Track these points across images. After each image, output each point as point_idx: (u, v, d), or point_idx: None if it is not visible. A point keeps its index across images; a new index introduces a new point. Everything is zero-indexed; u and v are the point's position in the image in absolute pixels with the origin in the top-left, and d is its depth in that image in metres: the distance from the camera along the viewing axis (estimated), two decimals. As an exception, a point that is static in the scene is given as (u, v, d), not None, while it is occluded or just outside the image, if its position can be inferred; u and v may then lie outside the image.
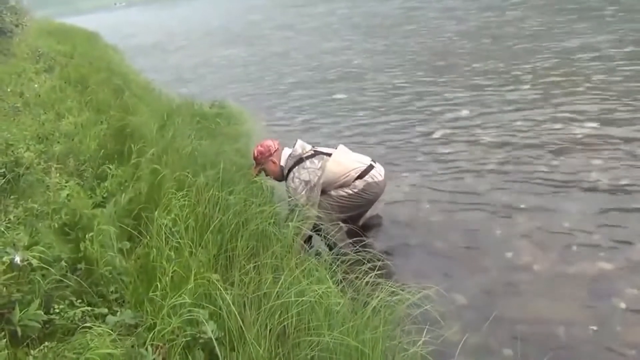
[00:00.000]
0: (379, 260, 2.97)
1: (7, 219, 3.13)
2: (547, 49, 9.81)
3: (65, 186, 3.86)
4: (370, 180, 4.12)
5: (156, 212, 2.99)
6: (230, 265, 2.92)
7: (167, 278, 2.42)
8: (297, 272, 2.47)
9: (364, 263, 3.00)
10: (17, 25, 11.98)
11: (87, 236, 2.83)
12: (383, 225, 4.49)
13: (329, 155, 4.11)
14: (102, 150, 4.66)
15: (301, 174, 3.98)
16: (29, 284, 2.41)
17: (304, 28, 19.48)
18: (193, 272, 2.46)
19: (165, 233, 2.78)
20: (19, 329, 2.14)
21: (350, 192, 4.08)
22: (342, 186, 4.08)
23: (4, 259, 2.31)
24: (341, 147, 4.30)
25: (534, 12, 13.75)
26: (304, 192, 3.91)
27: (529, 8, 14.51)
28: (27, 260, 2.35)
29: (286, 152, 4.22)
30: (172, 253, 2.64)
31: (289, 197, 3.98)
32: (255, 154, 4.20)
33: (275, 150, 4.19)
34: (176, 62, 16.54)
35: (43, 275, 2.52)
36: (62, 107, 6.62)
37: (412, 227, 4.40)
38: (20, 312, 2.17)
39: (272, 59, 13.84)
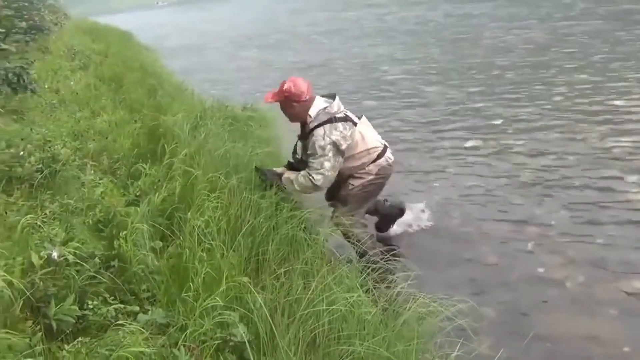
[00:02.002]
0: (409, 270, 2.95)
1: (43, 213, 3.19)
2: (587, 60, 9.66)
3: (99, 183, 3.93)
4: (384, 163, 3.89)
5: (189, 213, 3.02)
6: (260, 269, 2.92)
7: (200, 279, 2.43)
8: (328, 279, 2.45)
9: (394, 272, 2.98)
10: (56, 24, 12.22)
11: (121, 234, 2.86)
12: (413, 235, 4.45)
13: (355, 124, 3.79)
14: (136, 149, 4.72)
15: (332, 134, 3.63)
16: (65, 279, 2.45)
17: (337, 32, 19.52)
18: (225, 275, 2.46)
19: (198, 234, 2.79)
20: (54, 323, 2.17)
21: (365, 180, 3.86)
22: (356, 168, 3.84)
23: (42, 253, 2.36)
24: (364, 118, 3.98)
25: (592, 20, 13.54)
26: (330, 154, 3.61)
27: (587, 16, 14.29)
28: (64, 255, 2.38)
29: (320, 103, 3.78)
30: (205, 254, 2.65)
31: (309, 152, 3.71)
32: (283, 89, 3.72)
33: (305, 101, 3.72)
34: (209, 64, 16.71)
35: (77, 271, 2.56)
36: (97, 105, 6.74)
37: (442, 237, 4.36)
38: (56, 307, 2.20)
39: (306, 63, 13.86)
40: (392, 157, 3.98)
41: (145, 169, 4.09)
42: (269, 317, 2.19)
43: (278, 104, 3.84)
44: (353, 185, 3.86)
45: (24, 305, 2.18)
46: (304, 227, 3.30)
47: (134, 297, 2.62)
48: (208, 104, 6.89)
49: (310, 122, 3.72)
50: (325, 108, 3.72)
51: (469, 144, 6.49)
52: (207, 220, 2.94)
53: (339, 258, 3.06)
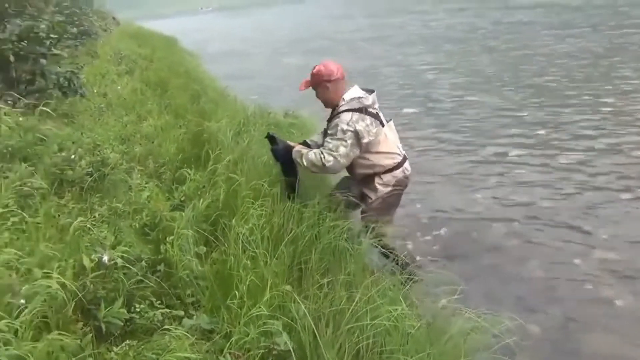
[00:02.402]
0: (453, 283, 2.90)
1: (92, 216, 3.27)
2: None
3: (145, 187, 4.01)
4: (401, 175, 3.79)
5: (233, 220, 3.04)
6: (303, 278, 2.93)
7: (244, 287, 2.45)
8: (372, 291, 2.43)
9: (437, 285, 2.94)
10: (105, 30, 12.58)
11: (167, 239, 2.91)
12: (456, 247, 4.39)
13: (382, 125, 3.73)
14: (180, 154, 4.79)
15: (358, 123, 3.54)
16: (113, 282, 2.50)
17: (381, 39, 19.52)
18: (269, 283, 2.48)
19: (242, 241, 2.81)
20: (103, 326, 2.22)
21: (384, 193, 3.75)
22: (370, 167, 3.73)
23: (93, 257, 2.42)
24: (392, 123, 3.87)
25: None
26: (349, 142, 3.52)
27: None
28: (114, 259, 2.43)
29: (357, 91, 3.74)
30: (249, 262, 2.67)
31: (329, 132, 3.64)
32: (314, 71, 3.74)
33: (336, 79, 3.69)
34: (252, 70, 16.88)
35: (125, 274, 2.61)
36: (143, 109, 6.89)
37: (485, 250, 4.29)
38: (105, 309, 2.26)
39: (349, 70, 13.83)
40: (410, 169, 3.91)
41: (189, 174, 4.15)
42: (313, 326, 2.18)
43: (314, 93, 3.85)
44: (372, 198, 3.79)
45: (75, 307, 2.23)
46: (347, 237, 3.29)
47: (179, 301, 2.66)
48: (250, 111, 6.95)
49: (341, 105, 3.67)
50: (360, 98, 3.67)
51: (513, 153, 6.39)
52: (251, 227, 2.96)
53: (382, 269, 3.04)
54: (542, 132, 7.02)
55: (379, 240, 3.55)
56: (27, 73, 5.73)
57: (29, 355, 1.80)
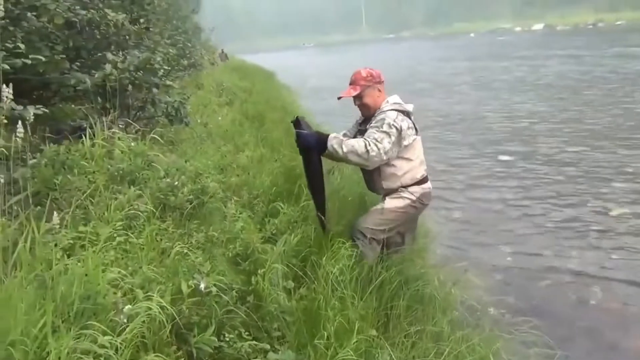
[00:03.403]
0: (546, 346, 2.76)
1: (189, 242, 3.43)
2: None
3: (239, 217, 4.15)
4: (427, 189, 3.71)
5: (324, 259, 3.07)
6: (389, 324, 2.89)
7: (332, 327, 2.45)
8: (462, 347, 2.36)
9: (529, 346, 2.80)
10: (212, 64, 13.32)
11: (259, 271, 2.98)
12: (549, 305, 4.17)
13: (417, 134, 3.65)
14: (274, 187, 4.92)
15: (403, 122, 3.47)
16: (206, 309, 2.58)
17: (483, 84, 19.21)
18: (356, 326, 2.46)
19: (332, 281, 2.83)
20: (194, 351, 2.29)
21: (407, 202, 3.63)
22: (398, 175, 3.61)
23: (190, 282, 2.52)
24: (420, 138, 3.74)
25: None
26: (393, 138, 3.40)
27: None
28: (209, 287, 2.52)
29: (396, 98, 3.71)
30: (337, 302, 2.68)
31: (372, 125, 3.51)
32: (363, 74, 3.65)
33: (383, 82, 3.69)
34: (347, 107, 16.99)
35: (217, 302, 2.70)
36: (240, 140, 7.17)
37: (581, 312, 4.04)
38: (197, 335, 2.33)
39: (445, 113, 13.74)
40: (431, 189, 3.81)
41: (282, 207, 4.24)
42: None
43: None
44: (392, 204, 3.64)
45: (171, 330, 2.32)
46: (436, 286, 3.22)
47: (266, 334, 2.70)
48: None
49: (384, 106, 3.62)
50: (401, 103, 3.65)
51: (615, 212, 6.02)
52: (341, 268, 2.98)
53: (471, 322, 2.94)
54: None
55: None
56: (140, 101, 6.16)
57: (128, 373, 1.89)
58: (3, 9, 2.46)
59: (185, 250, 3.15)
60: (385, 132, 3.38)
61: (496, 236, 5.39)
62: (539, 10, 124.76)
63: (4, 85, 2.47)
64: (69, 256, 2.69)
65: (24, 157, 3.36)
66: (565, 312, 4.06)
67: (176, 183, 3.91)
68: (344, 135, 3.87)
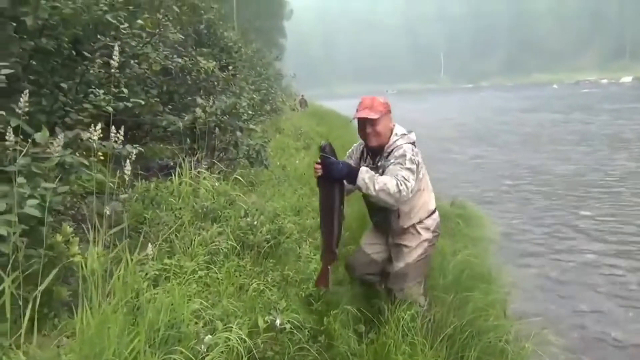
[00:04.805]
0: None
1: (265, 280, 3.57)
2: None
3: (313, 259, 4.26)
4: (438, 219, 3.50)
5: (397, 305, 3.11)
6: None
7: (401, 373, 2.47)
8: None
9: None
10: (293, 109, 13.81)
11: (331, 312, 3.06)
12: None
13: None
14: (347, 232, 5.01)
15: (419, 157, 3.24)
16: (280, 345, 2.69)
17: (548, 136, 18.65)
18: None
19: (403, 327, 2.86)
20: (267, 385, 2.39)
21: (425, 241, 3.39)
22: (414, 214, 3.37)
23: (266, 318, 2.64)
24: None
25: None
26: (415, 176, 3.13)
27: None
28: (284, 324, 2.63)
29: (400, 128, 3.45)
30: (408, 348, 2.70)
31: (392, 161, 3.17)
32: (381, 101, 3.37)
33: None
34: (425, 155, 16.70)
35: (290, 339, 2.80)
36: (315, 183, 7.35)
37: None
38: (270, 370, 2.43)
39: (527, 167, 13.38)
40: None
41: (355, 251, 4.32)
42: None
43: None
44: (412, 246, 3.38)
45: (246, 362, 2.44)
46: (510, 339, 3.16)
47: (335, 375, 2.76)
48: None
49: (395, 138, 3.35)
50: (408, 133, 3.43)
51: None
52: (413, 314, 3.00)
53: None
54: None
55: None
56: (223, 143, 6.51)
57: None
58: (117, 60, 2.75)
59: (262, 287, 3.30)
60: (409, 169, 3.10)
61: (577, 294, 5.18)
62: (626, 62, 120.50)
63: (113, 127, 2.75)
64: (154, 286, 2.90)
65: (117, 191, 3.65)
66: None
67: (255, 222, 4.11)
68: None
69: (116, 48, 2.84)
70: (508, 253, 6.00)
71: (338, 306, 3.20)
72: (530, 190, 10.15)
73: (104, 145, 2.90)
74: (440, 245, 4.47)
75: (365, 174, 2.99)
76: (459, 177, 11.81)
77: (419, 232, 3.40)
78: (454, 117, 31.22)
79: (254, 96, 8.23)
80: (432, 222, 3.45)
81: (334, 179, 3.05)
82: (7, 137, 2.24)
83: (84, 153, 3.12)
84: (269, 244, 3.98)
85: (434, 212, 3.49)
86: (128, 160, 2.68)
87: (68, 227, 2.73)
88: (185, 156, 5.15)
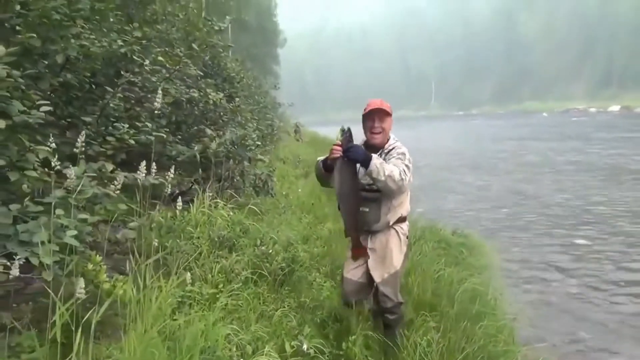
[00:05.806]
0: None
1: (282, 306, 3.72)
2: None
3: (323, 286, 4.41)
4: (407, 224, 3.70)
5: (411, 330, 3.26)
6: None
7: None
8: None
9: None
10: (297, 140, 14.02)
11: (350, 338, 3.20)
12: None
13: None
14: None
15: (409, 157, 3.50)
16: (304, 369, 2.83)
17: (551, 166, 18.84)
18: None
19: (420, 352, 3.00)
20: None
21: (405, 239, 3.62)
22: (398, 211, 3.57)
23: (292, 343, 2.78)
24: None
25: None
26: (411, 171, 3.41)
27: None
28: (310, 348, 2.77)
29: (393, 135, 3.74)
30: (425, 373, 2.84)
31: (393, 155, 3.47)
32: (388, 104, 3.62)
33: None
34: (421, 183, 16.84)
35: (310, 364, 2.94)
36: (320, 212, 7.51)
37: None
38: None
39: (513, 192, 13.62)
40: None
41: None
42: None
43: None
44: (399, 258, 3.56)
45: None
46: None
47: (356, 399, 2.90)
48: (420, 224, 7.21)
49: (393, 140, 3.66)
50: (398, 141, 3.69)
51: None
52: (428, 340, 3.14)
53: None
54: None
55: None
56: (230, 172, 6.68)
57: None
58: (160, 103, 2.93)
59: (283, 314, 3.45)
60: (407, 165, 3.40)
61: (577, 319, 5.31)
62: (614, 91, 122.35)
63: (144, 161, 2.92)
64: (173, 312, 3.02)
65: (126, 219, 3.77)
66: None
67: (270, 251, 4.26)
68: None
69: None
70: (510, 280, 6.15)
71: (349, 331, 3.33)
72: (530, 219, 10.35)
73: (127, 177, 3.07)
74: (447, 274, 4.64)
75: (377, 159, 3.25)
76: (459, 206, 12.00)
77: (398, 234, 3.60)
78: (449, 145, 31.49)
79: (261, 127, 8.41)
80: (406, 226, 3.68)
81: (352, 159, 3.28)
82: (36, 169, 2.41)
83: (106, 182, 3.28)
84: (284, 272, 4.13)
85: (406, 216, 3.69)
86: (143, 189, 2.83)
87: (98, 255, 2.87)
88: (198, 185, 5.30)
